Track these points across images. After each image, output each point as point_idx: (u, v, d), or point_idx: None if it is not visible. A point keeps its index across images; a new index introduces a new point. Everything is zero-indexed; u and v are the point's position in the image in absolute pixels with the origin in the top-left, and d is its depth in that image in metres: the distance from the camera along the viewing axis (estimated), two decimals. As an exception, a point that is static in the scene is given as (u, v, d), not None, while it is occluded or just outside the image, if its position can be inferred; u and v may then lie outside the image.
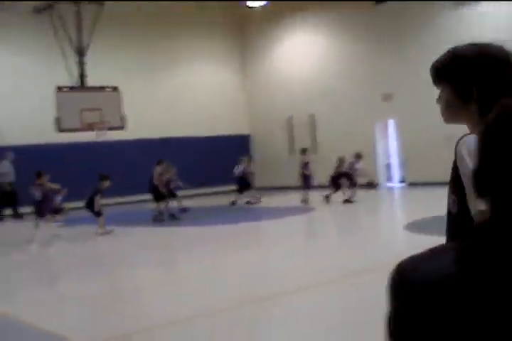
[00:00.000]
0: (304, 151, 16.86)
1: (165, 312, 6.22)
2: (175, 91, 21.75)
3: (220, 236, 11.94)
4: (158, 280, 8.20)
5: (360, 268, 7.72)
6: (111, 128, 16.64)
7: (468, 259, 0.90)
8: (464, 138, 1.95)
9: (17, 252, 11.12)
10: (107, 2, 17.47)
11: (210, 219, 14.80)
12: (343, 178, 16.07)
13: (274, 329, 5.77)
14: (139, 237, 12.69)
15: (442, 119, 2.05)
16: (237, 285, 7.25)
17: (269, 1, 21.51)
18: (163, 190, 14.48)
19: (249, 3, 21.83)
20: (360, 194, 16.10)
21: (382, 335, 0.97)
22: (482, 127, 0.96)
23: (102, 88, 16.74)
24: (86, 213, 13.09)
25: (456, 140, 1.96)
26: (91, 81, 16.70)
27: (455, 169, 1.94)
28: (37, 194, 12.19)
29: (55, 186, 12.95)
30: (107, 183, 12.72)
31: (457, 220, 1.96)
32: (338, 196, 15.87)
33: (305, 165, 16.62)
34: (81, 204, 13.43)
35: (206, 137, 22.05)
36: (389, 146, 20.61)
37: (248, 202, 17.64)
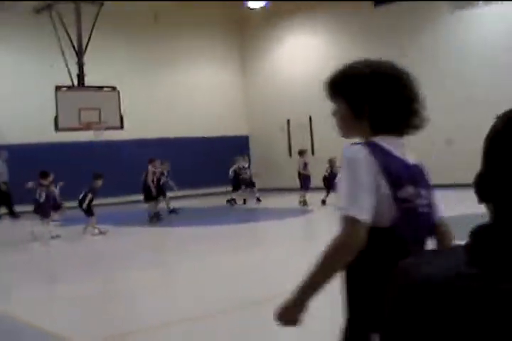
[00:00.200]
0: (302, 153, 16.88)
1: (162, 313, 6.21)
2: (174, 92, 21.74)
3: (217, 237, 11.92)
4: (155, 281, 8.19)
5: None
6: (109, 128, 16.60)
7: (473, 260, 0.90)
8: (344, 147, 2.06)
9: (15, 252, 11.10)
10: (106, 2, 17.46)
11: (208, 220, 14.78)
12: (334, 180, 16.00)
13: (271, 332, 5.76)
14: (137, 237, 12.66)
15: (339, 133, 2.18)
16: (234, 287, 7.24)
17: (269, 2, 21.52)
18: (154, 190, 14.39)
19: (250, 4, 21.84)
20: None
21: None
22: (489, 133, 0.95)
23: (100, 88, 16.72)
24: (82, 212, 13.07)
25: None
26: (90, 80, 16.68)
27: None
28: (42, 195, 12.14)
29: (55, 190, 12.95)
30: (100, 182, 12.68)
31: None
32: (334, 197, 15.80)
33: (304, 166, 16.64)
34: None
35: (204, 138, 22.03)
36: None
37: (230, 201, 17.60)
